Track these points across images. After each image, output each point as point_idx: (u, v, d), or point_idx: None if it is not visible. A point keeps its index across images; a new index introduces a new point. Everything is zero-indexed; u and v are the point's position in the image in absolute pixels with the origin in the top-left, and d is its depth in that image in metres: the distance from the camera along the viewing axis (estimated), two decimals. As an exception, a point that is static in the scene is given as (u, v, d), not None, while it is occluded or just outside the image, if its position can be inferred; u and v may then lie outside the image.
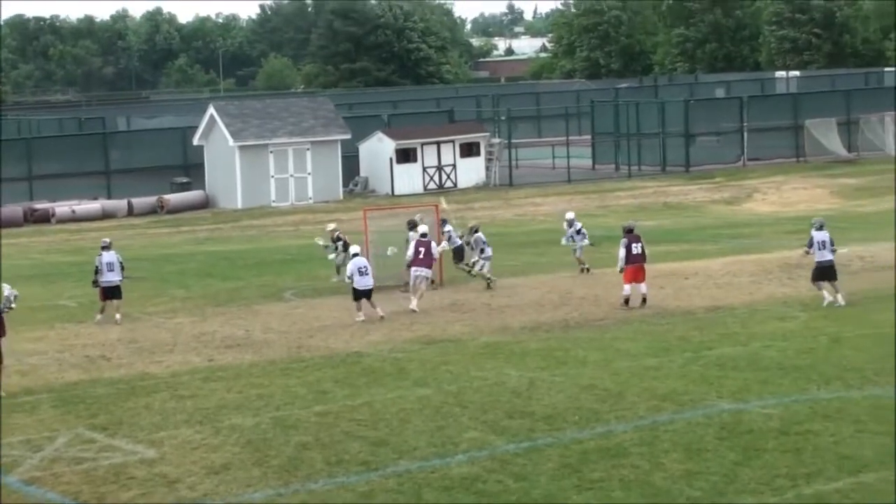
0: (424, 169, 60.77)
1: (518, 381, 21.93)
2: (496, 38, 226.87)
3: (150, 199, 57.67)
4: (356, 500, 16.15)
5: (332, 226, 36.10)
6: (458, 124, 66.37)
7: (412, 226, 32.64)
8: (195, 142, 59.64)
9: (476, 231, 33.79)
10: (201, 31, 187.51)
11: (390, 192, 59.48)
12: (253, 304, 31.60)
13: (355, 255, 29.13)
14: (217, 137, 58.31)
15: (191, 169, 60.41)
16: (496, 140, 64.78)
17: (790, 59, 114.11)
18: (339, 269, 33.72)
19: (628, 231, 29.56)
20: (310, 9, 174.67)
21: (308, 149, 58.62)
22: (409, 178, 60.18)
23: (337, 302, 30.84)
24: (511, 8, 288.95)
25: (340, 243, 33.75)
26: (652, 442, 17.90)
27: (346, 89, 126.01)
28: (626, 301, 28.74)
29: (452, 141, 61.60)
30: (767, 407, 19.48)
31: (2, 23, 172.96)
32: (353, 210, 49.27)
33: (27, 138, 64.99)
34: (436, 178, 61.00)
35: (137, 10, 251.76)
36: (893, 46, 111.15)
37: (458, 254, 33.95)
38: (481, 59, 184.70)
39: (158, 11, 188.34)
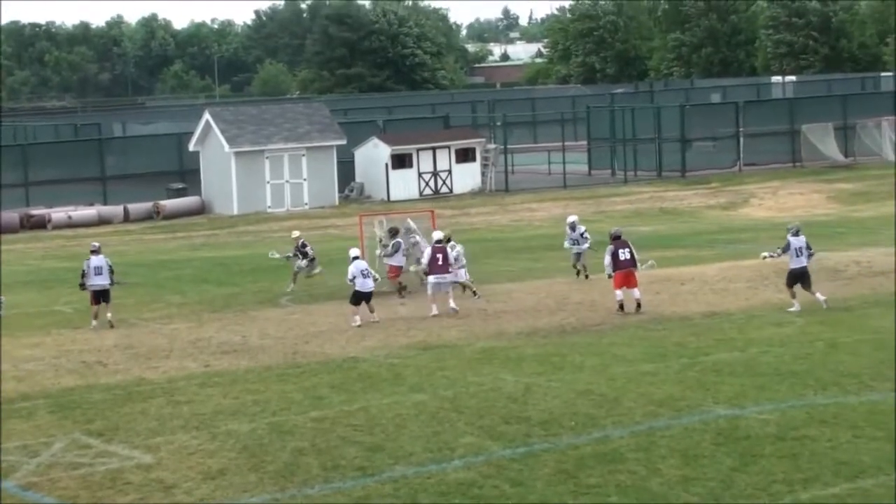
0: (420, 175, 60.75)
1: (514, 386, 21.92)
2: (492, 44, 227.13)
3: (146, 205, 57.66)
4: (353, 505, 16.16)
5: (296, 233, 36.37)
6: (454, 130, 66.42)
7: (394, 233, 32.70)
8: (191, 148, 59.66)
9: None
10: (197, 36, 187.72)
11: (386, 198, 59.43)
12: (249, 310, 31.58)
13: (356, 258, 29.14)
14: (213, 143, 58.30)
15: (186, 175, 60.40)
16: (492, 146, 64.74)
17: (786, 64, 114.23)
18: (297, 276, 33.99)
19: (615, 238, 29.69)
20: (305, 14, 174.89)
21: (304, 155, 58.59)
22: (404, 184, 60.15)
23: (333, 308, 30.84)
24: (506, 13, 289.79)
25: (308, 249, 34.12)
26: (648, 447, 17.89)
27: (342, 95, 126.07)
28: (621, 306, 28.79)
29: (448, 146, 61.58)
30: (764, 412, 19.47)
31: (1, 24, 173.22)
32: (349, 216, 49.25)
33: (23, 145, 64.87)
34: (431, 183, 60.97)
35: (133, 16, 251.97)
36: (890, 51, 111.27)
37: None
38: (477, 65, 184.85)
39: (154, 17, 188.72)
